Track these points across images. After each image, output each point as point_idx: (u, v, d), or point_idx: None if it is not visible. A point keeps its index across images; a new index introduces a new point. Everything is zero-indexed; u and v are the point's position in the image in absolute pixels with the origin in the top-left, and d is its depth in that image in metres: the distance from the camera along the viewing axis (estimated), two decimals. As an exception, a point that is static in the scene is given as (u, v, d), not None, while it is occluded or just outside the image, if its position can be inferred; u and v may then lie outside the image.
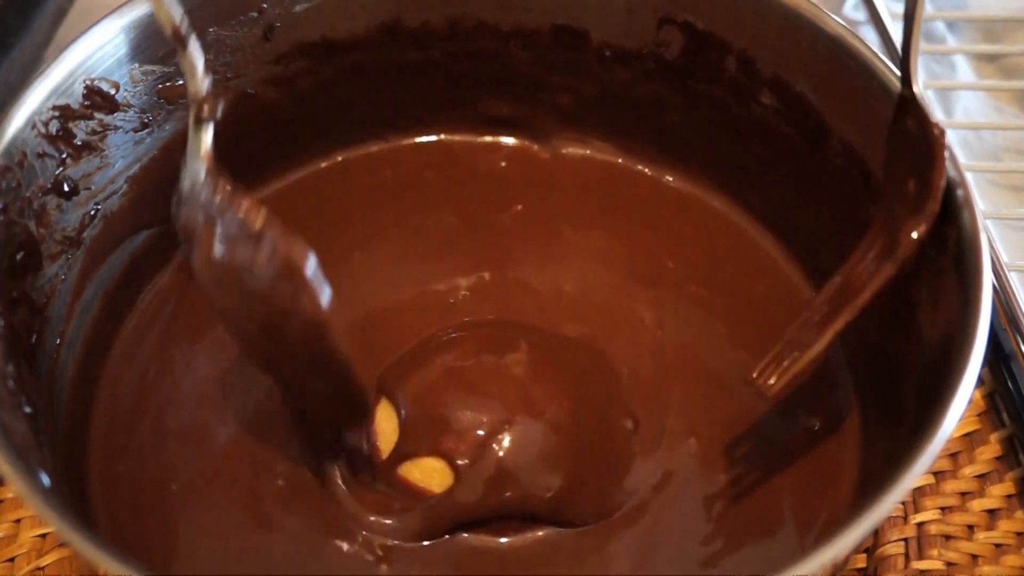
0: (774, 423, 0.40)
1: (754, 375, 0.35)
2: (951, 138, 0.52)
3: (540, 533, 0.37)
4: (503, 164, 0.48)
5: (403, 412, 0.37)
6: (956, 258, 0.33)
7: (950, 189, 0.34)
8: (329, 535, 0.37)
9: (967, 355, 0.30)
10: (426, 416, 0.37)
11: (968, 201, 0.34)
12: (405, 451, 0.37)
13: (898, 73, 0.37)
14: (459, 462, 0.36)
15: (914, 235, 0.33)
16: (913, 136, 0.34)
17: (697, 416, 0.40)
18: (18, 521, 0.40)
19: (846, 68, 0.39)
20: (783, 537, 0.37)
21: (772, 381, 0.34)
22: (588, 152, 0.48)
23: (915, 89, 0.35)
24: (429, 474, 0.37)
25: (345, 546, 0.36)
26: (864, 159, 0.39)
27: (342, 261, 0.43)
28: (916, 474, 0.29)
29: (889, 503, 0.29)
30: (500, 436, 0.36)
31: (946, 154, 0.33)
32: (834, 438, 0.39)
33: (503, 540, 0.37)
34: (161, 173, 0.41)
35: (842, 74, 0.39)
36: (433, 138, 0.48)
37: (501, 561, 0.36)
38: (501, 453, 0.36)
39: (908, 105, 0.35)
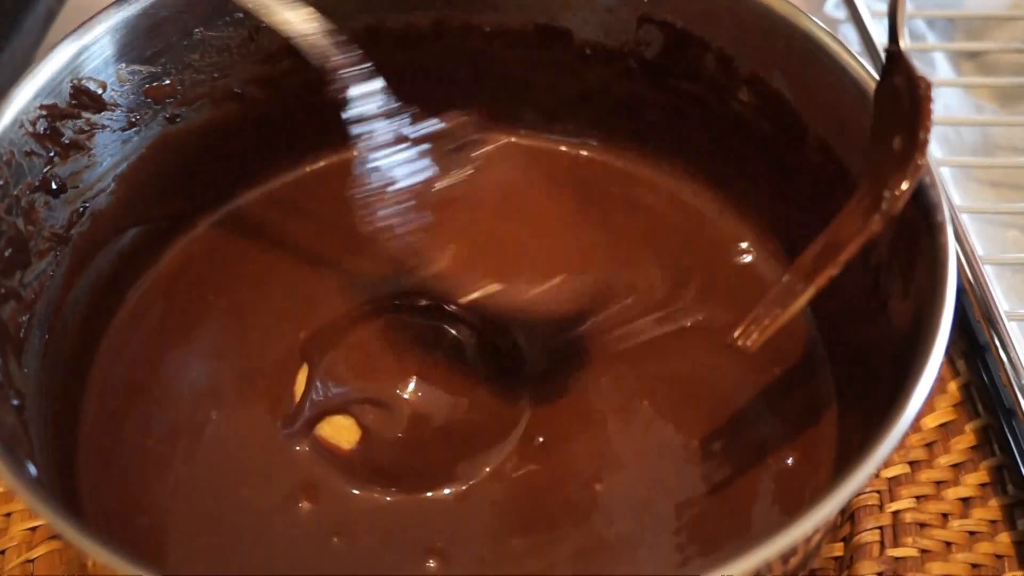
0: (752, 415, 0.40)
1: (735, 335, 0.35)
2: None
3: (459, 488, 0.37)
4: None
5: (315, 374, 0.39)
6: (926, 249, 0.34)
7: (921, 184, 0.35)
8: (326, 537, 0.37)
9: (933, 338, 0.31)
10: (335, 376, 0.39)
11: (937, 194, 0.34)
12: (317, 410, 0.39)
13: (873, 72, 0.38)
14: (365, 419, 0.38)
15: (901, 189, 0.33)
16: (900, 92, 0.34)
17: (669, 404, 0.40)
18: (8, 515, 0.41)
19: (821, 66, 0.39)
20: (759, 528, 0.37)
21: (753, 337, 0.34)
22: (566, 149, 0.48)
23: (901, 44, 0.35)
24: (339, 431, 0.38)
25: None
26: (839, 155, 0.40)
27: (337, 259, 0.44)
28: (883, 454, 0.29)
29: (857, 481, 0.29)
30: (404, 396, 0.38)
31: (932, 107, 0.33)
32: (812, 430, 0.40)
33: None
34: (148, 171, 0.42)
35: (817, 72, 0.40)
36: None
37: (434, 518, 0.37)
38: (405, 411, 0.37)
39: (895, 60, 0.35)
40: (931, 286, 0.32)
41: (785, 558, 0.32)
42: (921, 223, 0.34)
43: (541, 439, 0.39)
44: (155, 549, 0.37)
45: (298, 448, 0.39)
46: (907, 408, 0.30)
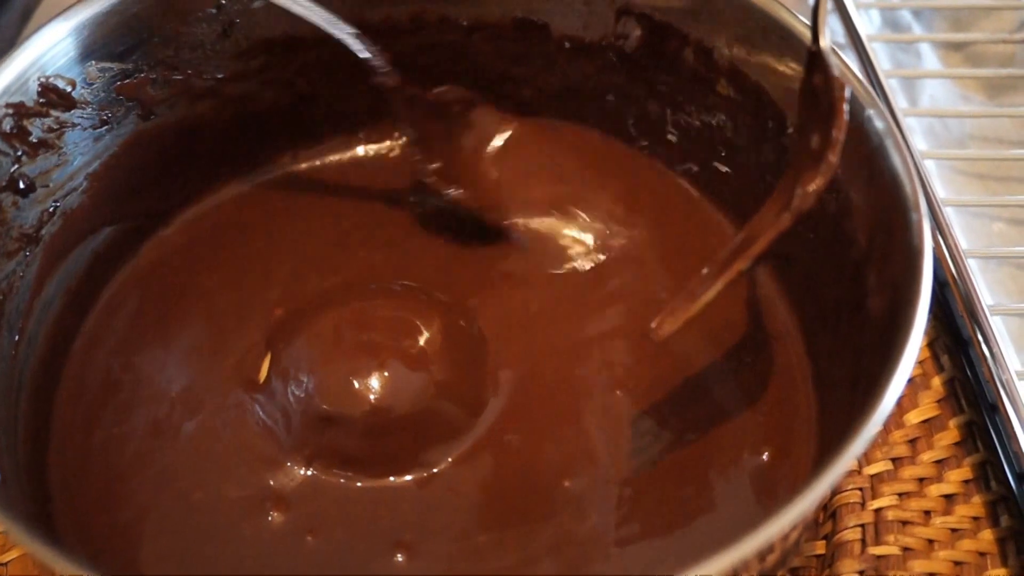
0: (730, 410, 0.40)
1: (652, 325, 0.36)
2: (915, 126, 0.53)
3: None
4: None
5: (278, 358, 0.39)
6: (902, 246, 0.34)
7: (898, 179, 0.34)
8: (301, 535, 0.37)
9: (907, 336, 0.31)
10: (297, 359, 0.39)
11: (915, 190, 0.34)
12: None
13: (849, 63, 0.37)
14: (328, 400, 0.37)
15: (811, 187, 0.34)
16: (819, 91, 0.35)
17: (644, 398, 0.40)
18: (-18, 519, 0.41)
19: (798, 58, 0.39)
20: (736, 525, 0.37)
21: (665, 327, 0.35)
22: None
23: (822, 44, 0.35)
24: None
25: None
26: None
27: (321, 252, 0.44)
28: (855, 451, 0.29)
29: (831, 477, 0.29)
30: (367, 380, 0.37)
31: (846, 107, 0.34)
32: (791, 425, 0.40)
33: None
34: (122, 169, 0.42)
35: (795, 64, 0.39)
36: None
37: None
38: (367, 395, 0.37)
39: (815, 60, 0.35)
40: (907, 283, 0.32)
41: (762, 555, 0.32)
42: (898, 220, 0.34)
43: (511, 434, 0.39)
44: (127, 547, 0.36)
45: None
46: (879, 406, 0.29)
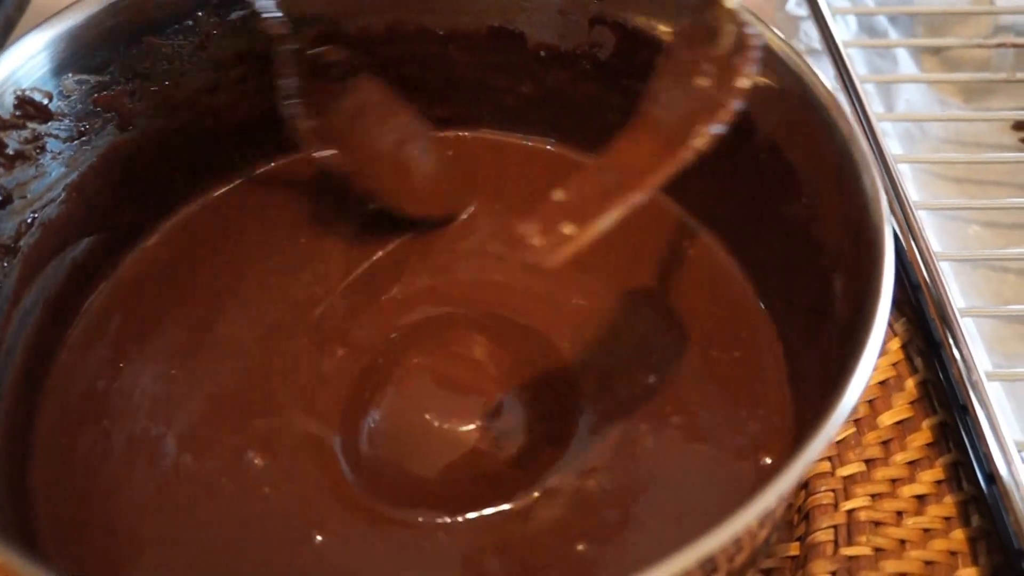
0: (704, 407, 0.41)
1: (535, 243, 0.33)
2: (891, 131, 0.54)
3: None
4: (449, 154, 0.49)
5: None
6: (868, 245, 0.34)
7: (861, 180, 0.35)
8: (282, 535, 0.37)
9: (865, 342, 0.31)
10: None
11: (876, 189, 0.34)
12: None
13: (821, 73, 0.38)
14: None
15: (706, 129, 0.34)
16: (718, 32, 0.35)
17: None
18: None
19: (768, 65, 0.39)
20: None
21: (556, 254, 0.33)
22: (530, 144, 0.49)
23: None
24: None
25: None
26: (786, 154, 0.40)
27: (289, 259, 0.44)
28: (814, 451, 0.29)
29: (791, 476, 0.29)
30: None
31: (755, 54, 0.34)
32: (770, 427, 0.40)
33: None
34: (101, 180, 0.42)
35: (765, 71, 0.40)
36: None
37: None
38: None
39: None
40: (870, 285, 0.32)
41: (729, 555, 0.32)
42: (864, 224, 0.35)
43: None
44: (111, 564, 0.36)
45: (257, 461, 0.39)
46: (837, 407, 0.30)
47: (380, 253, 0.45)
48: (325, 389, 0.40)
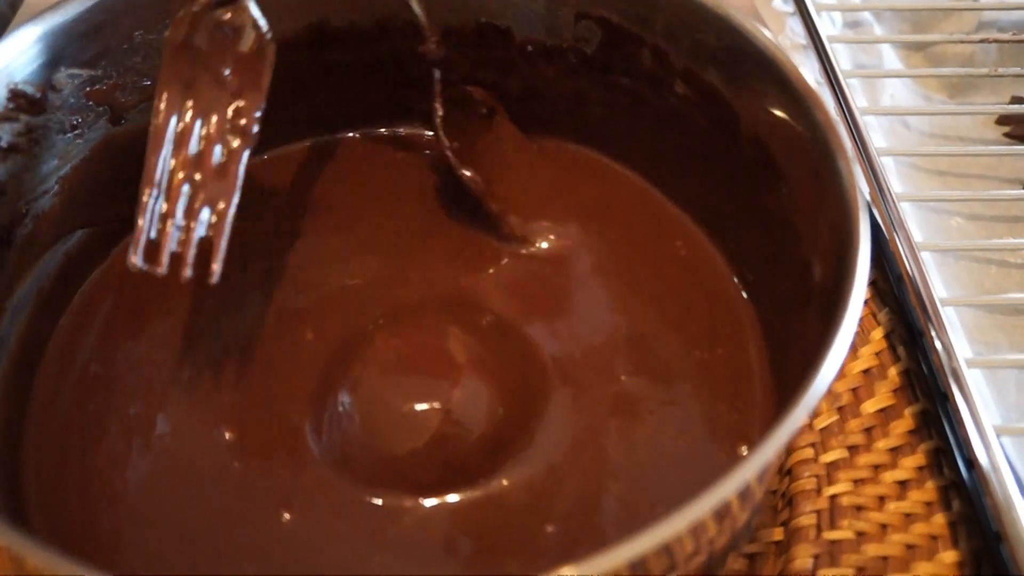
0: (691, 368, 0.41)
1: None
2: (875, 125, 0.54)
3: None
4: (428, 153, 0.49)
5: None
6: (843, 231, 0.35)
7: (838, 169, 0.36)
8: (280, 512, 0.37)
9: (847, 301, 0.32)
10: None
11: (852, 178, 0.35)
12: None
13: (800, 68, 0.38)
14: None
15: None
16: None
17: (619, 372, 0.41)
18: (-41, 515, 0.41)
19: (750, 59, 0.40)
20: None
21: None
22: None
23: None
24: None
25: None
26: (768, 146, 0.40)
27: (283, 247, 0.45)
28: (787, 430, 0.30)
29: (762, 457, 0.29)
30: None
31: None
32: (751, 415, 0.41)
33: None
34: (93, 173, 0.43)
35: (746, 65, 0.40)
36: (363, 132, 0.50)
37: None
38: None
39: None
40: (845, 269, 0.33)
41: (709, 536, 0.33)
42: (840, 211, 0.35)
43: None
44: (104, 549, 0.37)
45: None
46: (809, 389, 0.30)
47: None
48: (296, 369, 0.41)
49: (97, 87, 0.41)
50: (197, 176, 0.38)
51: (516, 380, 0.41)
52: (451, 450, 0.38)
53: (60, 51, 0.39)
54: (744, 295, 0.43)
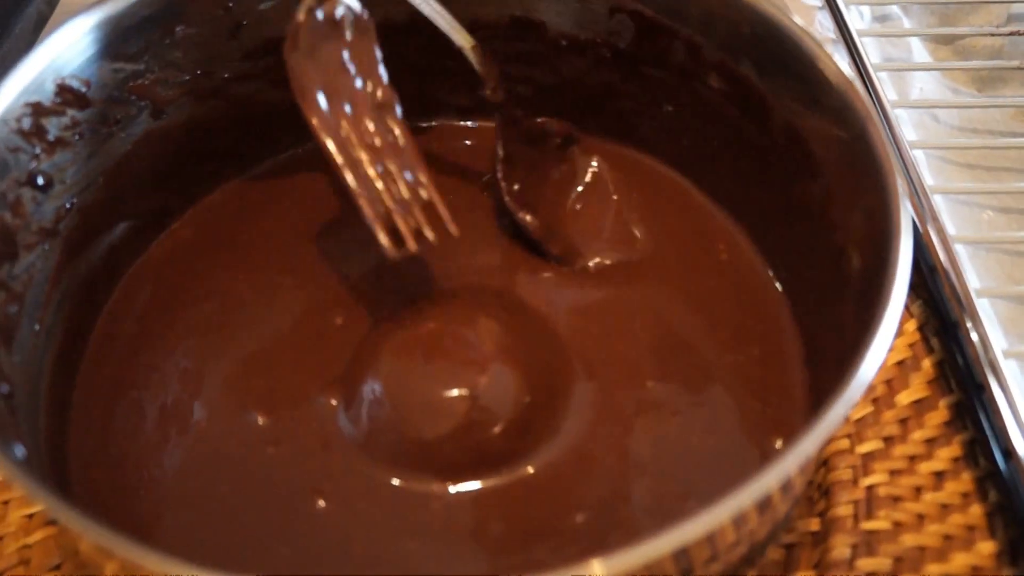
0: (725, 365, 0.41)
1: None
2: (905, 118, 0.55)
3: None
4: (468, 143, 0.50)
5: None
6: (884, 220, 0.35)
7: (877, 158, 0.36)
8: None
9: (888, 295, 0.32)
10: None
11: (891, 167, 0.35)
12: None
13: (836, 57, 0.39)
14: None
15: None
16: None
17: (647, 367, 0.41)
18: (6, 503, 0.42)
19: (784, 51, 0.40)
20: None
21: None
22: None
23: None
24: None
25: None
26: (803, 137, 0.40)
27: (314, 237, 0.45)
28: (824, 430, 0.30)
29: (804, 450, 0.29)
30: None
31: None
32: (787, 408, 0.41)
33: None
34: (134, 167, 0.43)
35: (780, 57, 0.41)
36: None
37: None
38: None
39: None
40: (887, 258, 0.33)
41: (749, 528, 0.33)
42: (878, 201, 0.35)
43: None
44: (145, 534, 0.37)
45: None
46: (853, 379, 0.30)
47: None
48: (327, 354, 0.41)
49: (139, 81, 0.42)
50: (388, 164, 0.39)
51: (542, 369, 0.41)
52: (479, 436, 0.38)
53: (105, 45, 0.40)
54: (778, 288, 0.44)
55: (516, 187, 0.46)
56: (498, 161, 0.46)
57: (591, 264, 0.45)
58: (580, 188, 0.47)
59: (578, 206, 0.47)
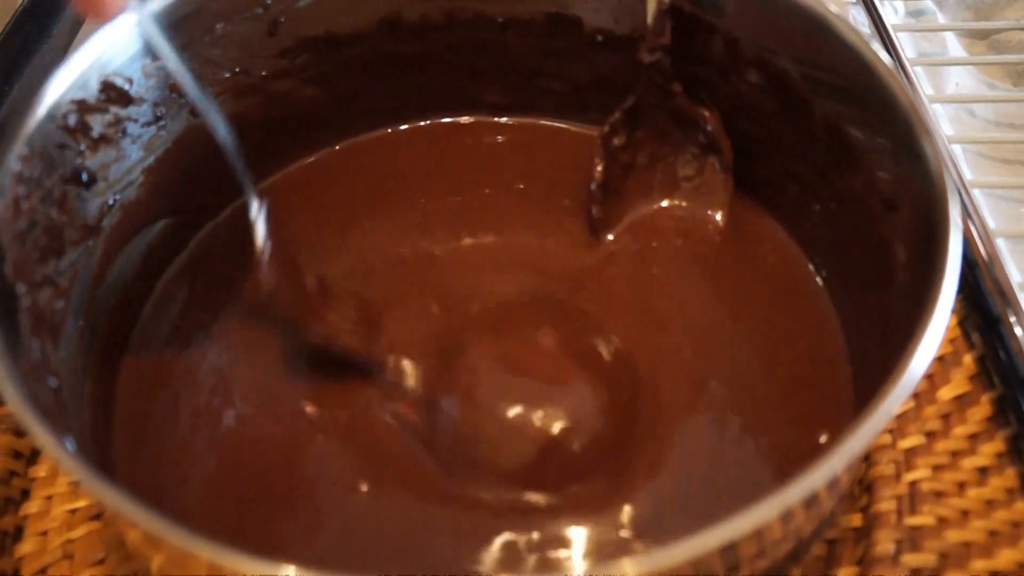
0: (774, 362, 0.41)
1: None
2: (941, 113, 0.54)
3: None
4: (500, 140, 0.50)
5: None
6: (931, 211, 0.35)
7: (923, 150, 0.35)
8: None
9: (939, 286, 0.31)
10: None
11: (939, 159, 0.35)
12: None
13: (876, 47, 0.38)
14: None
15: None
16: None
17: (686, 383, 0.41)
18: (49, 498, 0.42)
19: (823, 44, 0.40)
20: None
21: None
22: (582, 131, 0.50)
23: None
24: None
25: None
26: (843, 130, 0.40)
27: (349, 235, 0.46)
28: (877, 423, 0.29)
29: (855, 445, 0.29)
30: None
31: None
32: (831, 404, 0.40)
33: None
34: (175, 165, 0.43)
35: (819, 50, 0.40)
36: (432, 122, 0.50)
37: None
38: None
39: None
40: (935, 248, 0.33)
41: (798, 525, 0.33)
42: (925, 192, 0.35)
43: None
44: (181, 517, 0.37)
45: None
46: (903, 375, 0.30)
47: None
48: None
49: (180, 79, 0.42)
50: None
51: (609, 386, 0.41)
52: (545, 453, 0.38)
53: (146, 43, 0.40)
54: (819, 283, 0.43)
55: (601, 212, 0.46)
56: (594, 182, 0.45)
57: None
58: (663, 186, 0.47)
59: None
